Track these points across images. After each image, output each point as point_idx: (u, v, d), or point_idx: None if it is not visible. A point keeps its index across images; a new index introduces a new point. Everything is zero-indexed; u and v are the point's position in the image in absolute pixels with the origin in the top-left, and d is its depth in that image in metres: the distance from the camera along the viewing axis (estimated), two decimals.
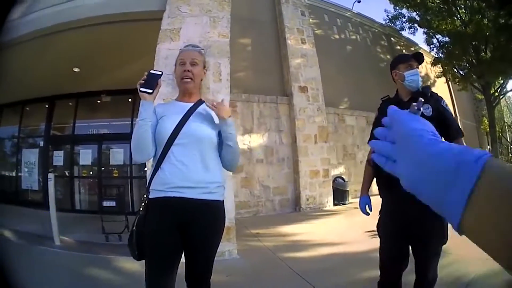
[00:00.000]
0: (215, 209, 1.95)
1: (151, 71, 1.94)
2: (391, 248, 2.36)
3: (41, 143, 10.49)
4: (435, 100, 2.31)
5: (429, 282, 2.31)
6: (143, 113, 1.88)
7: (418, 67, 2.39)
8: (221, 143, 2.02)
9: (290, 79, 10.34)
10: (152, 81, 1.90)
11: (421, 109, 0.59)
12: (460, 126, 2.32)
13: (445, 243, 2.22)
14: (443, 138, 2.17)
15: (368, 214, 2.53)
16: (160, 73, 1.94)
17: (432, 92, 2.37)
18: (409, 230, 2.23)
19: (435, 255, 2.26)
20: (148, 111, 1.90)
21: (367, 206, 2.51)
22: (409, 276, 2.39)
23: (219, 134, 2.01)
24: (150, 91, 1.89)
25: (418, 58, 2.43)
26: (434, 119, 2.11)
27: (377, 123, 2.40)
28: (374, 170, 2.45)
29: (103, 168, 9.94)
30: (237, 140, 2.04)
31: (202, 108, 2.05)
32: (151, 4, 5.68)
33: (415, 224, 2.18)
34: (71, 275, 4.28)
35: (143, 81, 1.90)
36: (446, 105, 2.33)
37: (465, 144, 2.10)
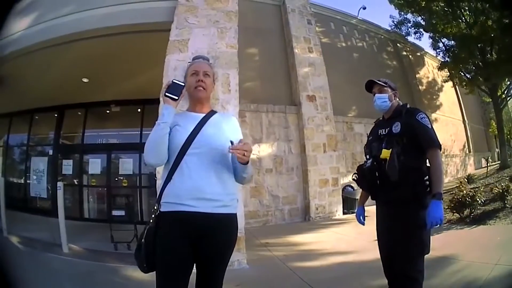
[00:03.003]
0: (229, 223, 1.93)
1: (174, 81, 1.98)
2: (379, 250, 2.61)
3: (50, 152, 10.57)
4: (410, 115, 2.48)
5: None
6: (166, 116, 1.89)
7: (381, 90, 2.66)
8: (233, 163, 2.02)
9: (298, 88, 10.33)
10: (176, 90, 1.96)
11: None
12: (436, 138, 2.42)
13: (426, 253, 2.38)
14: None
15: (363, 223, 2.78)
16: (183, 84, 1.99)
17: (409, 108, 2.59)
18: (391, 233, 2.44)
19: (412, 262, 2.34)
20: (171, 116, 1.91)
21: (361, 216, 2.79)
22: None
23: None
24: (176, 97, 1.94)
25: (372, 84, 2.73)
26: (404, 135, 2.41)
27: (368, 139, 2.78)
28: (360, 184, 2.73)
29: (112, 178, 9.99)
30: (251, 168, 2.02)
31: (215, 118, 2.04)
32: (159, 15, 5.74)
33: (396, 229, 2.40)
34: (78, 282, 4.30)
35: (168, 88, 1.95)
36: (422, 118, 2.44)
37: (439, 156, 2.37)
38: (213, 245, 1.86)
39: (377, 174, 2.50)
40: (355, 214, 2.93)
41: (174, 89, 1.95)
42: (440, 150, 2.42)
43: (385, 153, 2.42)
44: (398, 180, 2.33)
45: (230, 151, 1.82)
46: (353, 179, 2.77)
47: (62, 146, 10.65)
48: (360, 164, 2.72)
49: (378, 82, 2.69)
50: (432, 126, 2.47)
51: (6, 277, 1.94)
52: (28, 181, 10.68)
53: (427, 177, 2.37)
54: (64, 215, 5.91)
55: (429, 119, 2.50)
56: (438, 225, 2.25)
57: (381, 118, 2.79)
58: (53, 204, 8.32)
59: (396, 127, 2.47)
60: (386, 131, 2.55)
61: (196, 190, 1.83)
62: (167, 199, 1.86)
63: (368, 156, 2.67)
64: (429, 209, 2.23)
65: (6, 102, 9.16)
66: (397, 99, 2.70)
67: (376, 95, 2.66)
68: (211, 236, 1.85)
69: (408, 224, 2.33)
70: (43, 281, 4.08)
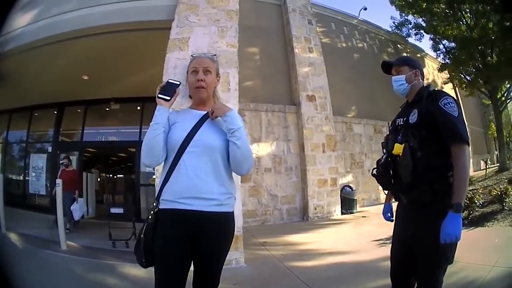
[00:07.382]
0: (225, 221, 1.93)
1: (170, 80, 1.96)
2: (391, 251, 2.31)
3: (50, 149, 10.60)
4: (432, 100, 2.03)
5: None
6: (158, 117, 1.88)
7: (397, 70, 2.29)
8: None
9: (298, 88, 10.34)
10: (170, 90, 1.93)
11: None
12: (462, 130, 1.94)
13: (447, 265, 2.03)
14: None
15: (390, 220, 2.41)
16: (178, 83, 1.96)
17: (432, 91, 2.15)
18: (408, 241, 2.10)
19: (431, 277, 2.02)
20: (163, 116, 1.89)
21: (388, 213, 2.45)
22: None
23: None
24: (168, 98, 1.91)
25: (388, 65, 2.39)
26: (421, 125, 2.01)
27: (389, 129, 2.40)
28: (378, 182, 2.34)
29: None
30: (247, 141, 1.93)
31: None
32: (159, 13, 5.73)
33: (414, 238, 2.05)
34: (76, 280, 4.30)
35: (161, 88, 1.93)
36: (446, 104, 1.97)
37: (466, 154, 1.89)
38: (208, 242, 1.87)
39: (391, 172, 2.12)
40: (382, 211, 2.52)
41: (169, 88, 1.93)
42: (468, 147, 1.95)
43: (398, 149, 2.05)
44: (412, 181, 1.98)
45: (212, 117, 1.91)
46: (373, 175, 2.34)
47: (62, 143, 10.67)
48: (379, 158, 2.31)
49: (392, 62, 2.34)
50: (460, 115, 1.97)
51: (3, 273, 1.94)
52: (27, 178, 10.73)
53: (451, 172, 1.93)
54: (62, 212, 5.91)
55: (457, 105, 2.00)
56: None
57: (405, 103, 2.35)
58: (52, 201, 8.33)
59: (413, 116, 2.07)
60: (403, 121, 2.16)
61: (193, 189, 1.83)
62: (165, 197, 1.87)
63: (384, 151, 2.28)
64: (444, 222, 1.82)
65: (6, 98, 9.16)
66: (420, 80, 2.25)
67: (392, 78, 2.28)
68: (206, 233, 1.85)
69: (425, 235, 1.96)
70: (41, 278, 4.08)
